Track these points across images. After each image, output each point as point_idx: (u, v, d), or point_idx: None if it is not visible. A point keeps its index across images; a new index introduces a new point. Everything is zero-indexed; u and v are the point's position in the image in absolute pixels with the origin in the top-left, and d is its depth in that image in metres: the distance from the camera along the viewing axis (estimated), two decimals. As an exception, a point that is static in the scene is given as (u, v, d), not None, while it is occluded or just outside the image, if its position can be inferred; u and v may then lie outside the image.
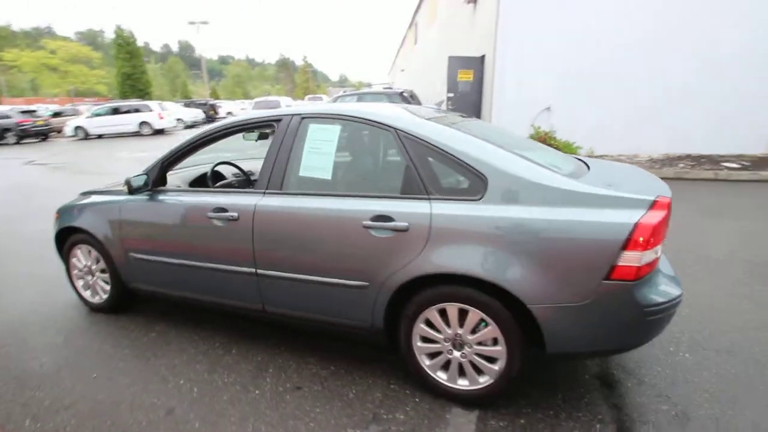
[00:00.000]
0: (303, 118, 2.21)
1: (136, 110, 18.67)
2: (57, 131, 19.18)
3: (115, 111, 18.73)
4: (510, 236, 1.71)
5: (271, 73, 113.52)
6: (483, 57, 9.35)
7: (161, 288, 2.64)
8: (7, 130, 16.89)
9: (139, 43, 36.88)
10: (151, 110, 18.58)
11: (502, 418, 1.89)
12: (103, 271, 2.87)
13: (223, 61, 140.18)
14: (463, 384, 1.95)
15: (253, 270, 2.22)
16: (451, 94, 9.60)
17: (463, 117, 2.54)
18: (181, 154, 2.54)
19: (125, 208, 2.62)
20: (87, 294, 3.01)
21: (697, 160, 7.72)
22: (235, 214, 2.21)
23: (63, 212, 2.99)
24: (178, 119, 21.07)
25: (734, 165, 7.13)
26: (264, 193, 2.20)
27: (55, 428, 1.90)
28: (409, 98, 10.47)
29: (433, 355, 2.00)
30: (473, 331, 1.87)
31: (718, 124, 7.98)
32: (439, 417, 1.90)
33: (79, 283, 3.02)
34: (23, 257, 4.14)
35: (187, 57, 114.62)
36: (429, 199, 1.86)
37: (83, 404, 2.04)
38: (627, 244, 1.59)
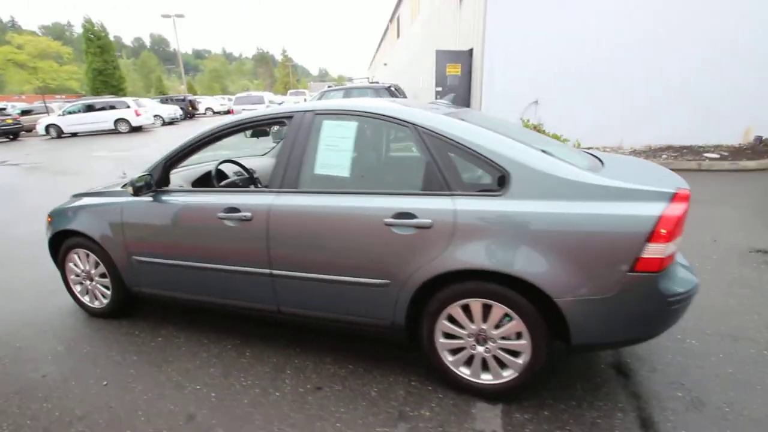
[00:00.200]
0: (316, 114, 2.16)
1: (112, 107, 18.00)
2: (27, 130, 18.38)
3: (90, 108, 18.00)
4: (535, 231, 1.72)
5: (249, 68, 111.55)
6: (471, 51, 9.38)
7: (167, 291, 2.56)
8: (-28, 129, 16.10)
9: (110, 37, 35.53)
10: (127, 107, 17.95)
11: (526, 410, 1.92)
12: (102, 275, 2.77)
13: (198, 55, 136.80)
14: (486, 378, 1.96)
15: (268, 271, 2.17)
16: (440, 88, 9.62)
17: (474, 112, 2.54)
18: (186, 153, 2.46)
19: (128, 210, 2.53)
20: (86, 299, 2.90)
21: (680, 151, 7.96)
22: (249, 214, 2.15)
23: (56, 215, 2.86)
24: (156, 116, 20.48)
25: (714, 155, 7.38)
26: (278, 192, 2.15)
27: (71, 441, 1.83)
28: (395, 92, 10.45)
29: (455, 351, 2.00)
30: (497, 326, 1.88)
31: (703, 118, 8.20)
32: (464, 412, 1.91)
33: (77, 288, 2.91)
34: (11, 261, 3.96)
35: (161, 51, 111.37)
36: (451, 195, 1.85)
37: (98, 414, 1.97)
38: (651, 236, 1.62)
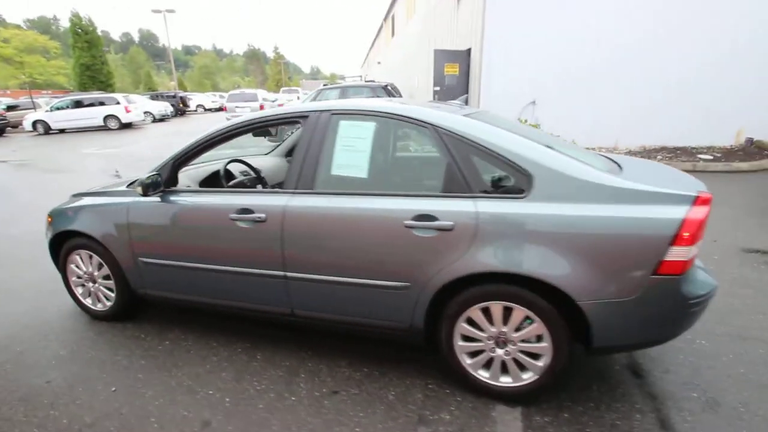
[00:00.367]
0: (333, 114, 2.13)
1: (101, 103, 17.68)
2: (14, 126, 17.97)
3: (78, 104, 17.66)
4: (558, 233, 1.71)
5: (240, 65, 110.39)
6: (469, 50, 9.39)
7: (176, 294, 2.51)
8: (-43, 125, 15.68)
9: (98, 31, 34.82)
10: (117, 103, 17.64)
11: (546, 413, 1.91)
12: (106, 277, 2.70)
13: (188, 51, 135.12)
14: (505, 381, 1.95)
15: (282, 273, 2.14)
16: (438, 88, 9.61)
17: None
18: (196, 152, 2.40)
19: (134, 210, 2.47)
20: (88, 301, 2.83)
21: (674, 152, 8.06)
22: (263, 215, 2.11)
23: (57, 216, 2.78)
24: (146, 112, 20.14)
25: (708, 156, 7.49)
26: (293, 192, 2.11)
27: (82, 449, 1.78)
28: (392, 92, 10.41)
29: (474, 354, 1.99)
30: (517, 329, 1.87)
31: (703, 118, 8.27)
32: (484, 416, 1.90)
33: (79, 291, 2.84)
34: (10, 261, 3.85)
35: (150, 47, 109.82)
36: (473, 197, 1.83)
37: (108, 421, 1.91)
38: (675, 239, 1.62)
